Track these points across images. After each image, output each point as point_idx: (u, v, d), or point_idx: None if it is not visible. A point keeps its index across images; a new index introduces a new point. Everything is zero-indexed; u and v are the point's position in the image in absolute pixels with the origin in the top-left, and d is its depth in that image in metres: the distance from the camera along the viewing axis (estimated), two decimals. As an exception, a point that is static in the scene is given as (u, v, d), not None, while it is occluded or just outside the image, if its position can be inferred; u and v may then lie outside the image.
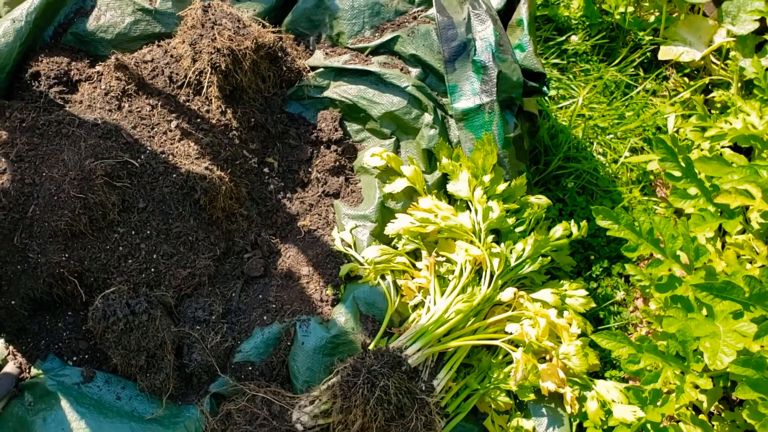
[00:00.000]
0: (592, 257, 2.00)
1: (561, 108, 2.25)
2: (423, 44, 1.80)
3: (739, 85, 2.14)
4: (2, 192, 1.46)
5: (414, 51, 1.81)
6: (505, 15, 1.88)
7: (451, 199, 1.81)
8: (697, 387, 1.44)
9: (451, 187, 1.77)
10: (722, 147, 2.05)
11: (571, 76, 2.32)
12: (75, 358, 1.54)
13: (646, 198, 2.12)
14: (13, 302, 1.47)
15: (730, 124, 1.92)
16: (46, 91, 1.67)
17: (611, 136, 2.22)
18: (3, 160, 1.49)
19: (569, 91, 2.29)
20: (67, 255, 1.49)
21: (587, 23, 2.40)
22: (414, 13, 1.86)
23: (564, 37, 2.36)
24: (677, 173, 1.64)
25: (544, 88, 1.81)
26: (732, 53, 2.15)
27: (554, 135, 2.15)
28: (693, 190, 1.78)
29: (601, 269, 1.98)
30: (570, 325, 1.69)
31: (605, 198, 2.11)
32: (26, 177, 1.49)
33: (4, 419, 1.49)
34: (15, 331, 1.54)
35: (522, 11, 1.83)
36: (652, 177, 2.19)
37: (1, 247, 1.46)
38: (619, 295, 1.92)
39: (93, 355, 1.55)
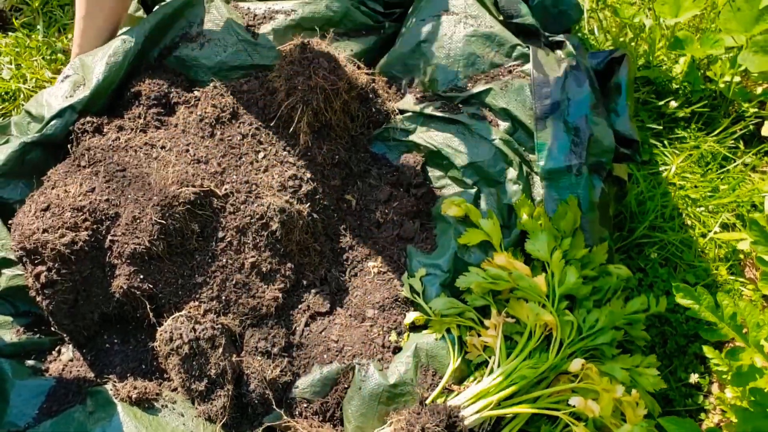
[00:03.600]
0: (669, 332, 1.92)
1: (652, 174, 2.18)
2: (515, 99, 1.78)
3: None
4: (90, 211, 1.51)
5: (505, 105, 1.79)
6: (603, 76, 1.84)
7: (528, 258, 1.77)
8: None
9: (529, 246, 1.73)
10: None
11: (666, 142, 2.24)
12: (138, 375, 1.58)
13: (732, 278, 2.02)
14: (90, 316, 1.53)
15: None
16: (145, 112, 1.74)
17: (702, 208, 2.13)
18: (94, 178, 1.56)
19: (663, 158, 2.21)
20: (142, 276, 1.53)
21: (689, 89, 2.32)
22: (510, 66, 1.84)
23: (663, 102, 2.29)
24: (770, 260, 1.55)
25: (637, 156, 1.76)
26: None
27: (642, 202, 2.08)
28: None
29: (676, 346, 1.89)
30: (637, 404, 1.62)
31: (689, 272, 2.02)
32: (113, 198, 1.55)
33: (65, 423, 1.53)
34: (85, 341, 1.59)
35: (621, 74, 1.79)
36: (741, 256, 2.08)
37: (84, 264, 1.52)
38: (693, 377, 1.83)
39: (155, 375, 1.59)
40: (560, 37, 1.87)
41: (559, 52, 1.87)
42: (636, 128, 1.78)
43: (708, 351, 1.65)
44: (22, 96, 2.11)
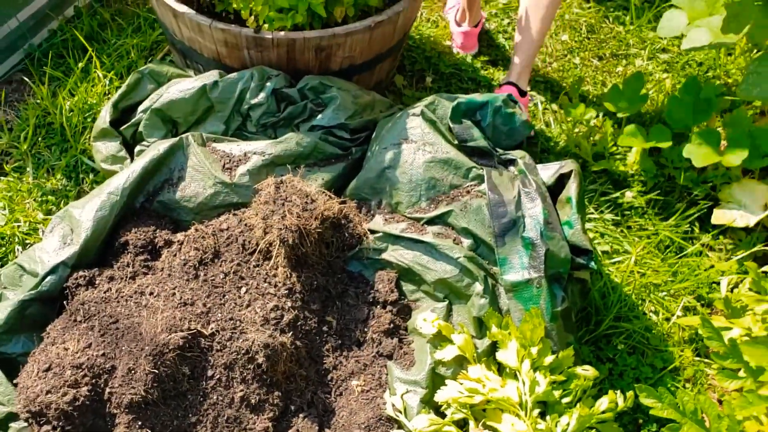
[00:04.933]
0: (641, 421, 2.03)
1: (614, 263, 2.31)
2: (475, 219, 1.93)
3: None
4: (88, 367, 1.64)
5: (466, 225, 1.93)
6: (554, 191, 1.99)
7: (500, 366, 1.89)
8: None
9: (500, 356, 1.85)
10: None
11: (625, 231, 2.39)
12: None
13: (698, 359, 2.14)
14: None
15: (782, 297, 1.94)
16: (133, 260, 1.87)
17: (664, 293, 2.27)
18: (90, 333, 1.68)
19: (623, 246, 2.35)
20: (140, 423, 1.64)
21: (643, 177, 2.48)
22: (467, 187, 1.99)
23: (619, 192, 2.44)
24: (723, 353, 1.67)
25: (591, 264, 1.89)
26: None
27: (606, 293, 2.21)
28: (740, 372, 1.81)
29: (650, 435, 2.01)
30: (614, 501, 1.72)
31: (656, 357, 2.14)
32: (108, 351, 1.67)
33: None
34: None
35: (571, 189, 1.94)
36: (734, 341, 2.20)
37: (86, 417, 1.63)
38: (668, 466, 1.93)
39: None
40: (512, 155, 2.03)
41: (512, 168, 2.02)
42: (588, 239, 1.92)
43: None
44: (17, 239, 2.23)
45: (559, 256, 1.85)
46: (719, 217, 2.26)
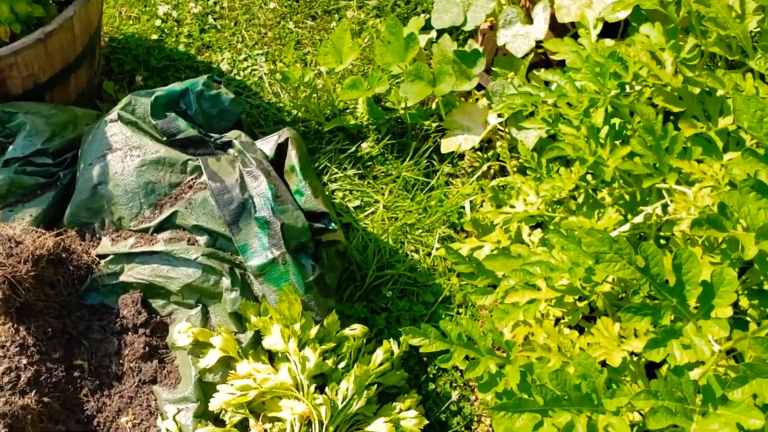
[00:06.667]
0: (425, 359, 2.06)
1: (368, 215, 2.32)
2: (203, 213, 1.82)
3: (514, 164, 2.28)
4: None
5: (196, 222, 1.82)
6: (279, 163, 1.93)
7: (271, 353, 1.82)
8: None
9: (266, 343, 1.79)
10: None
11: (371, 181, 2.40)
12: None
13: (464, 283, 2.21)
14: None
15: (513, 207, 2.04)
16: None
17: (420, 230, 2.31)
18: None
19: (372, 197, 2.36)
20: None
21: (374, 126, 2.50)
22: (189, 182, 1.88)
23: (355, 146, 2.44)
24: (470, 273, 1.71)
25: (332, 225, 1.87)
26: (507, 131, 2.29)
27: (365, 246, 2.21)
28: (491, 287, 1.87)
29: (436, 369, 2.05)
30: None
31: (426, 293, 2.19)
32: None
33: None
34: None
35: (292, 157, 1.89)
36: (477, 259, 2.28)
37: None
38: (455, 394, 1.99)
39: None
40: (228, 137, 1.94)
41: (231, 151, 1.93)
42: (323, 201, 1.89)
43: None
44: None
45: (296, 227, 1.80)
46: (447, 145, 2.33)
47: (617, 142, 1.75)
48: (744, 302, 1.58)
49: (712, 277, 1.23)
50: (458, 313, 2.18)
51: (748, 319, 1.59)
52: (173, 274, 1.81)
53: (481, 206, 2.35)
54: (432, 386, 2.02)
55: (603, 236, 1.27)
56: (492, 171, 2.43)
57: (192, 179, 1.88)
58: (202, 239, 1.84)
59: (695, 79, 1.50)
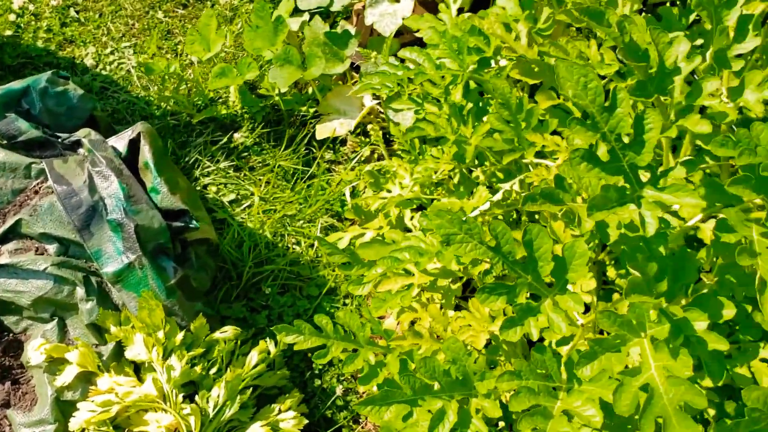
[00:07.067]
0: (310, 354, 1.99)
1: (244, 209, 2.22)
2: (50, 219, 1.68)
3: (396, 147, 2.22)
4: None
5: (42, 229, 1.68)
6: (132, 160, 1.80)
7: (137, 364, 1.71)
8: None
9: (129, 354, 1.67)
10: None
11: (248, 173, 2.30)
12: None
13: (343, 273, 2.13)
14: None
15: (390, 191, 1.98)
16: None
17: (301, 221, 2.22)
18: None
19: (248, 189, 2.26)
20: None
21: (249, 114, 2.39)
22: (34, 187, 1.73)
23: (227, 137, 2.33)
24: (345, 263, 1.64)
25: (193, 223, 1.76)
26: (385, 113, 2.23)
27: (241, 242, 2.11)
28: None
29: (321, 365, 1.97)
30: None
31: (310, 286, 2.11)
32: None
33: None
34: None
35: (145, 153, 1.77)
36: (352, 248, 2.21)
37: None
38: (340, 389, 1.92)
39: None
40: (76, 136, 1.80)
41: (81, 150, 1.80)
42: (181, 197, 1.78)
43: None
44: None
45: (152, 228, 1.69)
46: (321, 131, 2.25)
47: (484, 119, 1.71)
48: (611, 272, 1.57)
49: (564, 251, 1.20)
50: (345, 304, 2.11)
51: (617, 289, 1.58)
52: (22, 287, 1.67)
53: (364, 192, 2.29)
54: (318, 383, 1.95)
55: (452, 217, 1.22)
56: (375, 155, 2.36)
57: (37, 184, 1.73)
58: (51, 248, 1.70)
59: (543, 50, 1.46)
